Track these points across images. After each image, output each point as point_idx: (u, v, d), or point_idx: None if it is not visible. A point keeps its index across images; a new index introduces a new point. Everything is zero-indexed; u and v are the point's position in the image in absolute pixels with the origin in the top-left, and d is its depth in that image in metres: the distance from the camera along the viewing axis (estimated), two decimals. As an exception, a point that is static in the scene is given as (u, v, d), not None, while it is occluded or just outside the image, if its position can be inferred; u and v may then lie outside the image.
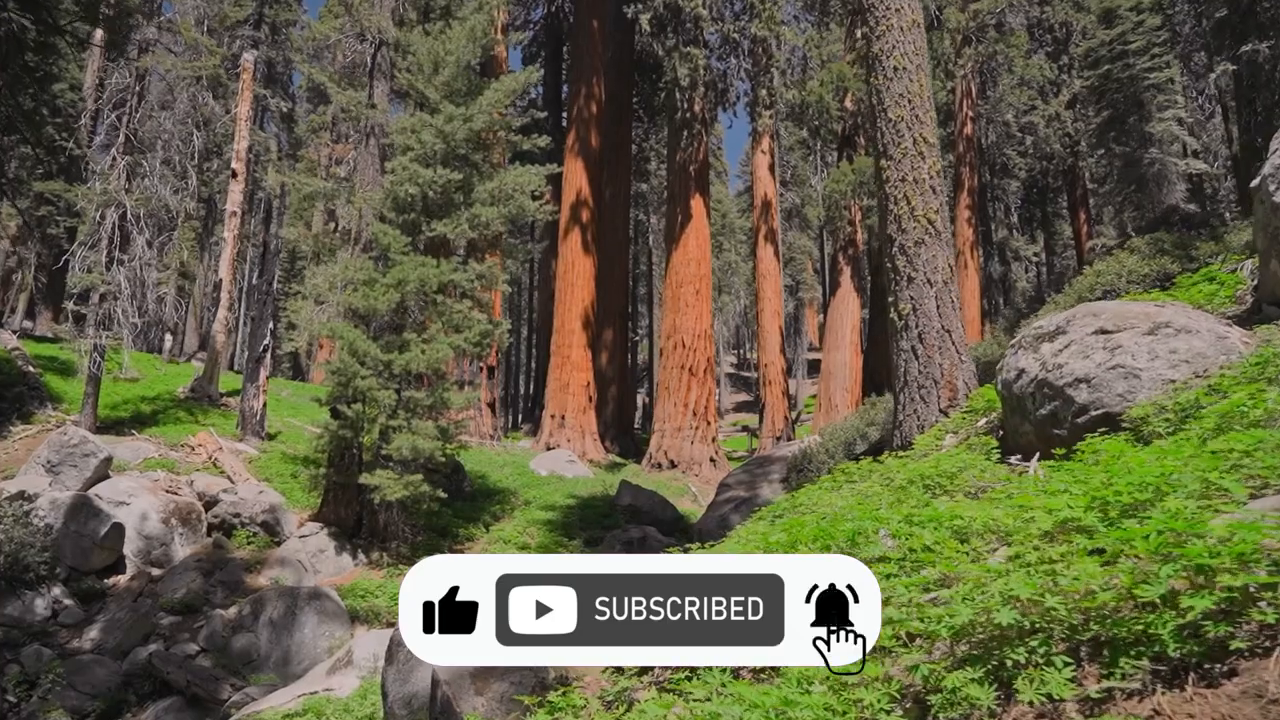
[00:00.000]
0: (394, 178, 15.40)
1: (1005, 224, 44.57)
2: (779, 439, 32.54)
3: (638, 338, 58.59)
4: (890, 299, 7.10)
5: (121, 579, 12.63)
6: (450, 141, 15.70)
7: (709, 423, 25.64)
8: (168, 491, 14.12)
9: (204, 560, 13.20)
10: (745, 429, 45.97)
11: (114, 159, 17.84)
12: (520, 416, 49.56)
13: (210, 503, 14.30)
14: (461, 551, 15.20)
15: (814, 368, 69.45)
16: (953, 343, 6.72)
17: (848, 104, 31.63)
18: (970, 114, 36.42)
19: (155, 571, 12.93)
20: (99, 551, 12.51)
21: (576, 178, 29.12)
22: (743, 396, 67.48)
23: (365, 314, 14.60)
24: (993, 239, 43.46)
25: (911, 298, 6.83)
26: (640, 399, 51.65)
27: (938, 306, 6.73)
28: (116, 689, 10.22)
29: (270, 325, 19.85)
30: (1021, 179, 45.62)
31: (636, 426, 39.16)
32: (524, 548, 15.79)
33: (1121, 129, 32.70)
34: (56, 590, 11.86)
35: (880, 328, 35.11)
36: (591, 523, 17.57)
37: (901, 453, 6.45)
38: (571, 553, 15.92)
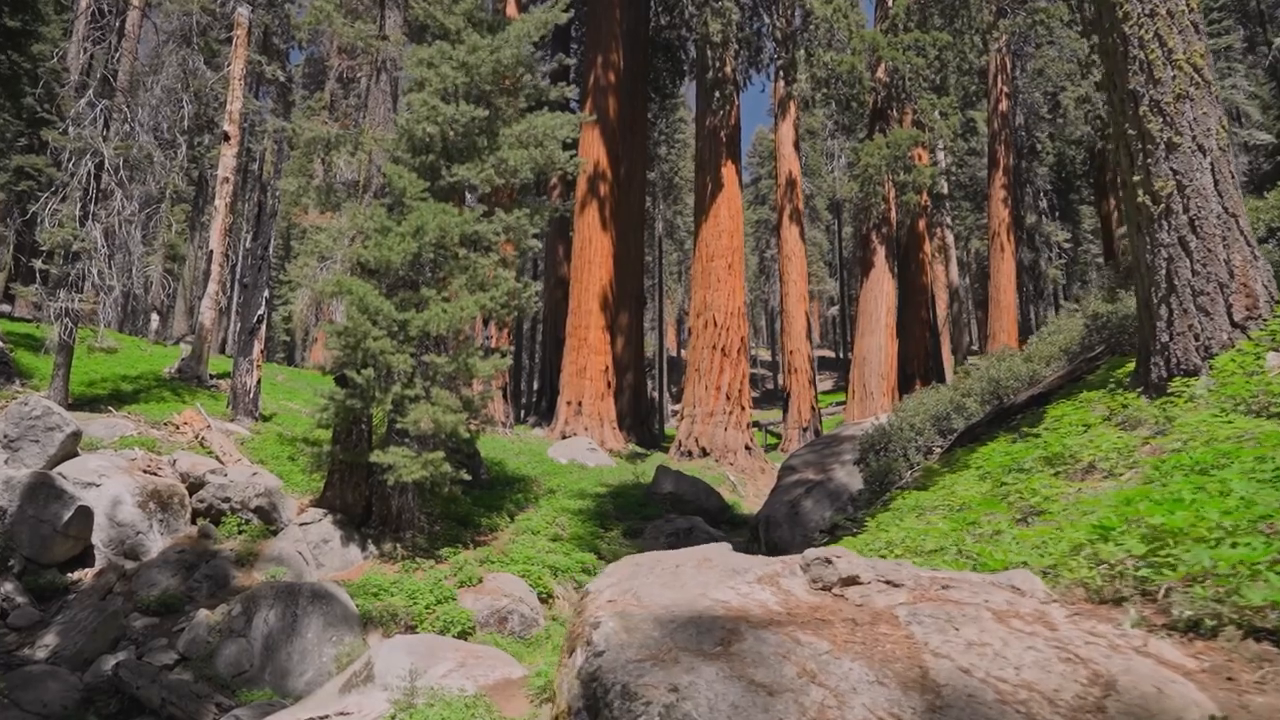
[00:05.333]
0: (410, 115, 13.44)
1: (1034, 209, 42.79)
2: (805, 430, 30.64)
3: (646, 328, 56.62)
4: (1134, 177, 5.18)
5: (88, 573, 10.63)
6: (474, 75, 13.76)
7: (743, 407, 23.71)
8: (146, 472, 12.11)
9: (187, 552, 11.20)
10: (755, 424, 44.02)
11: (91, 101, 15.81)
12: (524, 411, 47.53)
13: (195, 485, 12.29)
14: (485, 543, 13.24)
15: (823, 364, 67.67)
16: (1240, 232, 4.81)
17: (880, 75, 29.74)
18: (1005, 90, 34.64)
19: (128, 565, 10.93)
20: (61, 540, 10.50)
21: (594, 149, 27.19)
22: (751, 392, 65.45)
23: (377, 268, 12.63)
24: (1023, 224, 41.67)
25: (1174, 171, 4.92)
26: (648, 391, 49.64)
27: (1216, 182, 4.83)
28: (74, 707, 8.22)
29: (265, 294, 17.84)
30: (1050, 164, 43.90)
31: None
32: (555, 539, 13.84)
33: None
34: (8, 586, 9.87)
35: (910, 315, 33.21)
36: (628, 512, 15.66)
37: (1184, 381, 4.53)
38: (610, 544, 14.01)
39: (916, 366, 31.87)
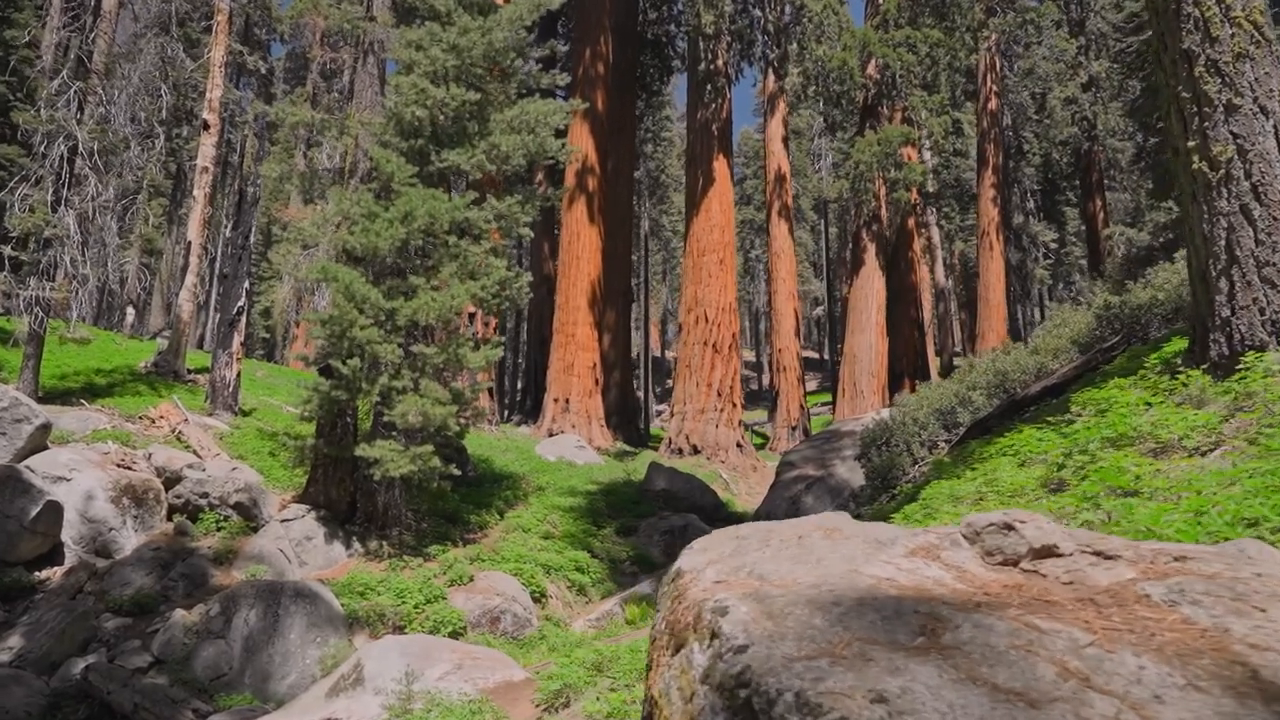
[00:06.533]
0: (399, 98, 12.99)
1: (1021, 209, 42.82)
2: (794, 429, 30.37)
3: (631, 327, 56.11)
4: (1189, 143, 4.87)
5: (56, 571, 10.09)
6: (465, 58, 13.34)
7: (734, 405, 23.35)
8: (119, 466, 11.57)
9: (162, 549, 10.69)
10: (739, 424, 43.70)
11: (64, 81, 15.19)
12: (508, 410, 46.94)
13: (172, 480, 11.76)
14: (475, 541, 12.81)
15: (807, 364, 67.48)
16: (1309, 199, 4.51)
17: (870, 71, 29.53)
18: (995, 89, 34.58)
19: (100, 563, 10.40)
20: (29, 537, 9.96)
21: (582, 143, 26.73)
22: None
23: (364, 255, 12.16)
24: (1010, 224, 41.64)
25: (1234, 135, 4.62)
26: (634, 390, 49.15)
27: (1280, 145, 4.54)
28: (39, 713, 7.72)
29: (245, 285, 17.28)
30: (1036, 165, 43.94)
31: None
32: (547, 537, 13.43)
33: (1155, 102, 30.87)
34: (-29, 585, 9.33)
35: (900, 313, 33.01)
36: (621, 510, 15.26)
37: (1255, 356, 4.21)
38: (603, 542, 13.62)
39: (906, 365, 31.65)
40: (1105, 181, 40.89)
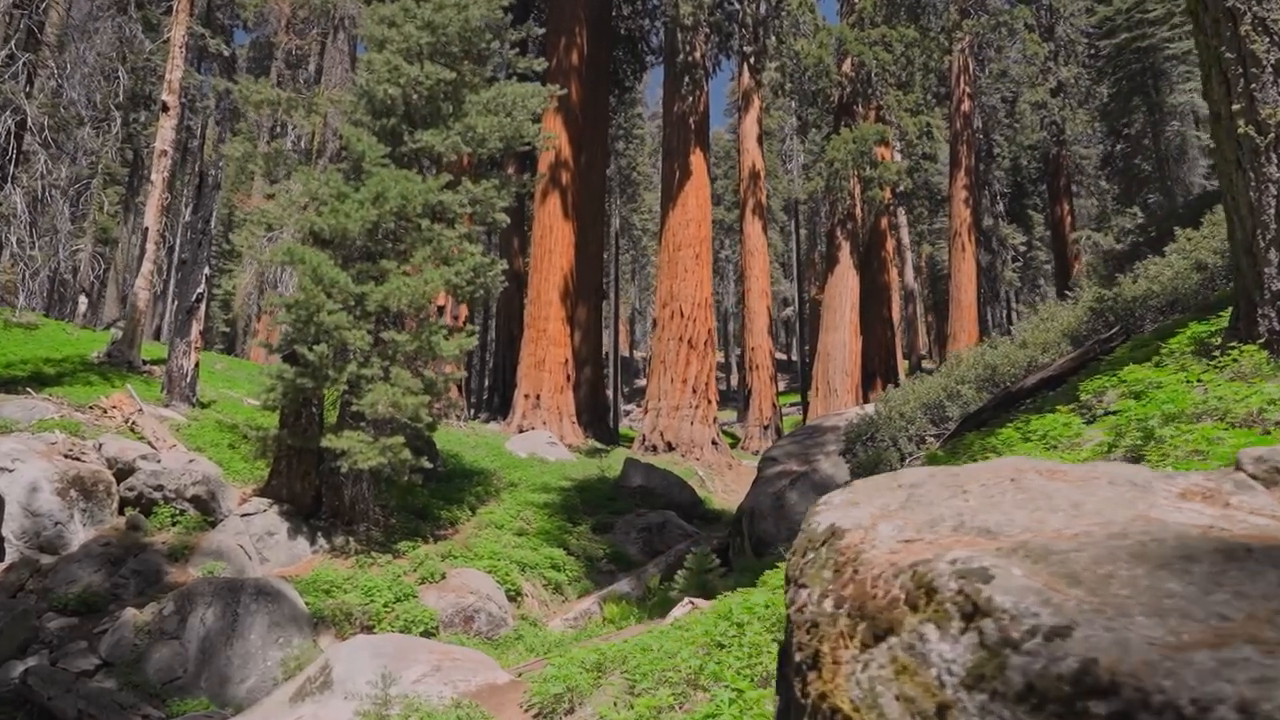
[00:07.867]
0: (371, 75, 12.45)
1: (991, 212, 43.14)
2: (766, 428, 30.18)
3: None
4: (1234, 106, 4.58)
5: (-4, 568, 9.42)
6: (440, 35, 12.83)
7: (710, 401, 23.02)
8: (67, 456, 10.88)
9: (113, 545, 10.04)
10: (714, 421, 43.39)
11: (11, 54, 14.39)
12: (475, 409, 46.14)
13: (124, 472, 11.10)
14: (446, 537, 12.30)
15: (780, 366, 67.41)
16: (1366, 166, 4.24)
17: (846, 69, 29.42)
18: (968, 90, 34.71)
19: (45, 559, 9.74)
20: (-34, 531, 9.30)
21: (555, 135, 26.23)
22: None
23: (332, 238, 11.60)
24: (981, 226, 41.92)
25: (1287, 97, 4.34)
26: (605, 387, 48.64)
27: (1337, 109, 4.25)
28: (-27, 722, 7.10)
29: (205, 271, 16.56)
30: (1005, 168, 44.31)
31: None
32: (520, 533, 12.96)
33: (1126, 106, 31.21)
34: (-100, 582, 8.65)
35: (873, 312, 32.98)
36: (597, 506, 14.84)
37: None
38: (579, 539, 13.20)
39: (878, 365, 31.64)
40: (1073, 185, 41.27)
